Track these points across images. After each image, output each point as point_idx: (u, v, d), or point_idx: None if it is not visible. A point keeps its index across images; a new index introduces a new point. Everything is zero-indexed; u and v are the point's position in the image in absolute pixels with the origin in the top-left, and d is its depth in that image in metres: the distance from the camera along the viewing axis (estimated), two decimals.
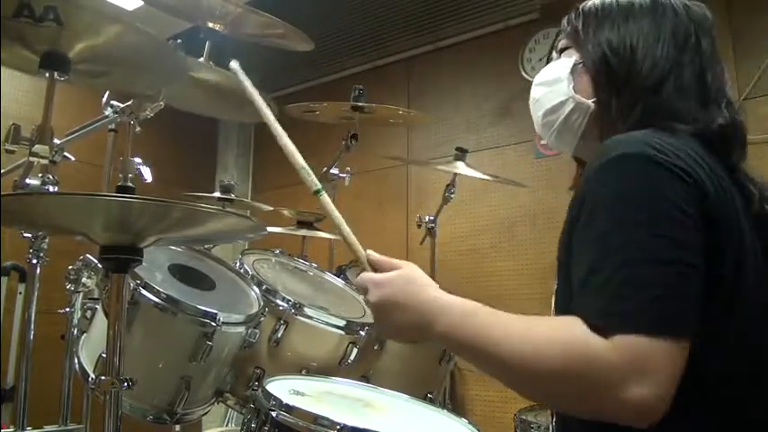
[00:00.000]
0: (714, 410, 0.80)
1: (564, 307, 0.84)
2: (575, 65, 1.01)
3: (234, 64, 1.12)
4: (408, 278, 0.93)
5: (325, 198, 1.06)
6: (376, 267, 0.99)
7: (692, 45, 0.94)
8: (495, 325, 0.82)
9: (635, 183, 0.78)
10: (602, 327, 0.72)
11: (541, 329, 0.78)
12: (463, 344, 0.84)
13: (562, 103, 1.01)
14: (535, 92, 1.06)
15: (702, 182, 0.79)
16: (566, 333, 0.75)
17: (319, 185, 1.06)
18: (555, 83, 1.02)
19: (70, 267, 1.68)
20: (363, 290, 0.97)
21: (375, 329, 0.93)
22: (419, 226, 2.61)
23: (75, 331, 1.67)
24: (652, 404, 0.71)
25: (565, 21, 1.07)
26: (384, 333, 0.94)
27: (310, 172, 1.07)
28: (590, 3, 1.04)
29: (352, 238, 1.03)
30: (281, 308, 1.70)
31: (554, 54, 1.07)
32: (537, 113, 1.06)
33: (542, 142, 3.41)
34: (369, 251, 1.01)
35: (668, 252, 0.74)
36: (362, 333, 1.74)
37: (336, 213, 1.04)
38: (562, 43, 1.05)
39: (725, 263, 0.79)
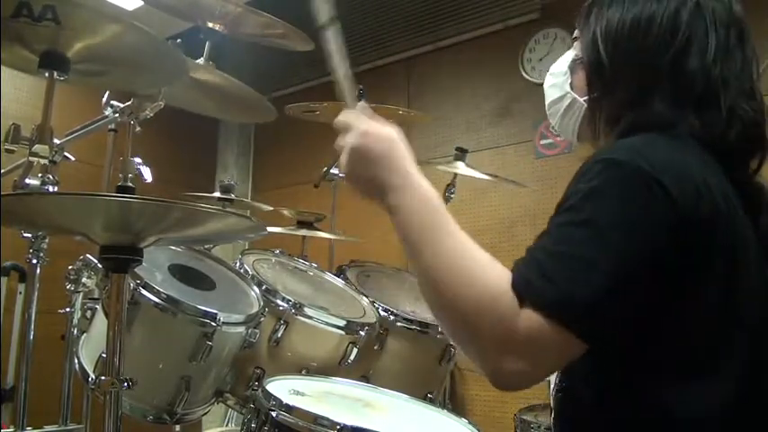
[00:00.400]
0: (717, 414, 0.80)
1: None
2: (573, 60, 1.01)
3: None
4: (392, 138, 0.91)
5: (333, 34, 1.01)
6: (360, 113, 0.96)
7: (700, 36, 0.90)
8: (442, 233, 0.83)
9: (609, 189, 0.78)
10: (519, 294, 0.76)
11: (477, 264, 0.80)
12: (406, 228, 0.85)
13: (561, 98, 1.03)
14: (546, 81, 1.08)
15: (683, 199, 0.78)
16: (493, 281, 0.78)
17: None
18: (559, 75, 1.04)
19: (70, 267, 1.68)
20: (344, 129, 0.93)
21: (344, 172, 0.92)
22: None
23: (75, 331, 1.67)
24: (521, 379, 0.75)
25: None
26: (349, 177, 0.92)
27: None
28: None
29: (347, 84, 1.01)
30: (281, 308, 1.69)
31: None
32: (546, 102, 1.07)
33: (542, 142, 3.42)
34: (362, 102, 0.99)
35: (611, 261, 0.75)
36: (362, 333, 1.74)
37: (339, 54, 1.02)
38: (576, 33, 1.04)
39: (712, 271, 0.79)
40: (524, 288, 0.76)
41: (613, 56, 0.92)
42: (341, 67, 1.00)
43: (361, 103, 0.97)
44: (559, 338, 0.74)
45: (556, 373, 0.91)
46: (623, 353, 0.81)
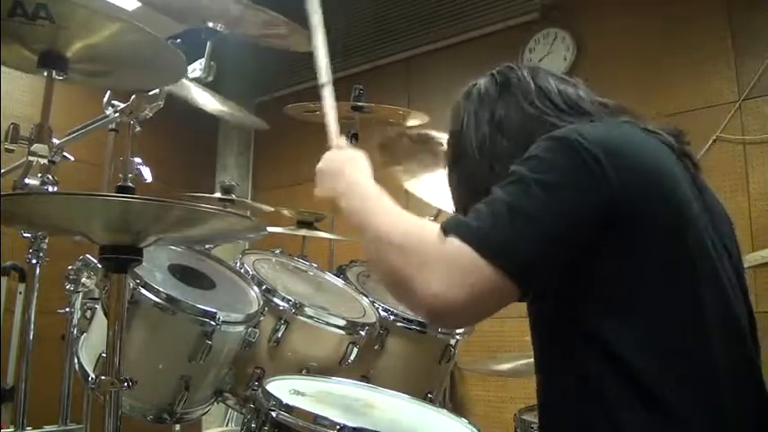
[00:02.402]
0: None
1: None
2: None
3: None
4: (349, 157, 1.16)
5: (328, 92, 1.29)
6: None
7: (534, 90, 1.04)
8: (381, 201, 1.00)
9: (548, 157, 0.87)
10: (445, 228, 0.86)
11: (411, 218, 0.95)
12: (356, 217, 1.01)
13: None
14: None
15: (614, 166, 0.85)
16: (426, 223, 0.91)
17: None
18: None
19: (70, 267, 1.68)
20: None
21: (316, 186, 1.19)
22: None
23: (75, 331, 1.67)
24: (445, 300, 0.82)
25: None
26: (317, 190, 1.18)
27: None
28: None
29: (334, 124, 1.25)
30: (281, 308, 1.69)
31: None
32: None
33: None
34: (342, 139, 1.24)
35: (540, 216, 0.83)
36: (362, 333, 1.74)
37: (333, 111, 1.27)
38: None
39: (651, 239, 0.85)
40: (451, 222, 0.87)
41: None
42: (333, 121, 1.26)
43: (341, 139, 1.24)
44: (484, 265, 0.81)
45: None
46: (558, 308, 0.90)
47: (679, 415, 0.81)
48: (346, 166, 1.13)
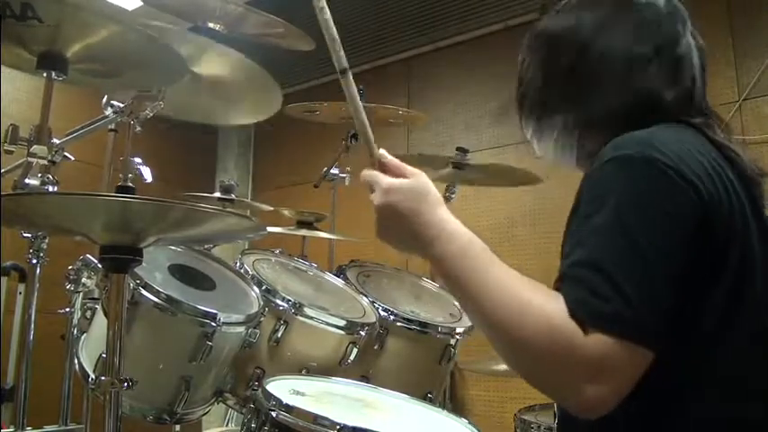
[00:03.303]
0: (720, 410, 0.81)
1: None
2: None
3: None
4: (418, 190, 0.91)
5: (350, 79, 0.99)
6: (386, 169, 0.94)
7: (668, 44, 0.94)
8: (491, 274, 0.82)
9: (634, 185, 0.79)
10: (580, 319, 0.74)
11: (533, 298, 0.79)
12: (454, 278, 0.85)
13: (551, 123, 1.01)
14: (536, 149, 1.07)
15: (702, 181, 0.79)
16: (553, 313, 0.76)
17: (346, 65, 0.98)
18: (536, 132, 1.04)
19: (70, 267, 1.68)
20: (369, 188, 0.94)
21: (376, 230, 0.93)
22: None
23: (75, 331, 1.67)
24: (602, 403, 0.74)
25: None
26: (381, 236, 0.93)
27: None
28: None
29: (369, 131, 0.97)
30: (281, 308, 1.69)
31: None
32: (533, 141, 1.07)
33: None
34: (382, 150, 0.96)
35: (654, 262, 0.76)
36: (362, 333, 1.74)
37: (358, 98, 0.99)
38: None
39: (728, 258, 0.80)
40: (583, 311, 0.75)
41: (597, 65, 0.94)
42: (359, 114, 0.98)
43: (382, 151, 0.96)
44: (632, 354, 0.74)
45: None
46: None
47: None
48: (419, 204, 0.89)
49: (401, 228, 0.90)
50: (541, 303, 0.78)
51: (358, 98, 0.98)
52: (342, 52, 0.98)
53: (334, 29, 0.97)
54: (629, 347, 0.73)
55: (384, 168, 0.95)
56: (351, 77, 0.98)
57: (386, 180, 0.92)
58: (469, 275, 0.83)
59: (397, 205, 0.90)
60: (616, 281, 0.74)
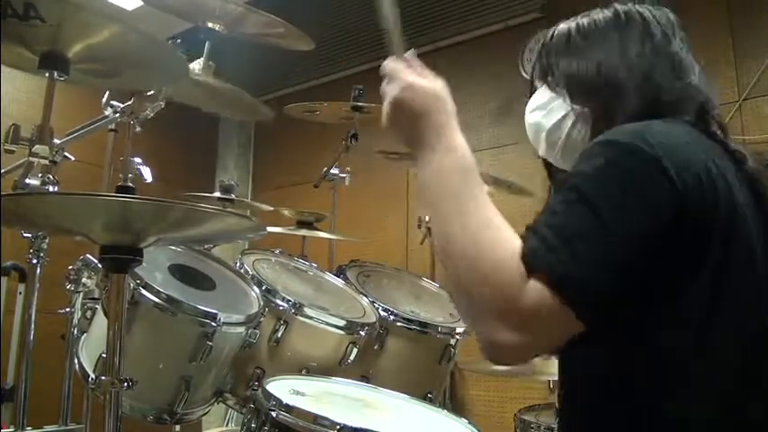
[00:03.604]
0: (707, 396, 0.80)
1: None
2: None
3: None
4: (438, 95, 0.92)
5: None
6: (410, 66, 0.95)
7: (663, 46, 0.96)
8: (469, 200, 0.85)
9: (612, 168, 0.80)
10: (527, 264, 0.77)
11: (493, 235, 0.82)
12: (429, 187, 0.87)
13: (563, 118, 1.02)
14: (532, 117, 1.07)
15: (683, 174, 0.80)
16: (502, 248, 0.80)
17: None
18: (550, 102, 1.03)
19: (70, 267, 1.68)
20: (389, 77, 0.94)
21: (384, 119, 0.94)
22: (419, 226, 2.61)
23: (75, 331, 1.67)
24: (517, 352, 0.77)
25: (529, 66, 1.10)
26: (388, 126, 0.94)
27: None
28: (550, 36, 1.08)
29: (396, 30, 1.01)
30: (281, 308, 1.70)
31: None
32: (539, 136, 1.06)
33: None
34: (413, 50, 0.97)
35: (616, 242, 0.77)
36: (362, 333, 1.74)
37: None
38: (537, 85, 1.07)
39: (709, 255, 0.80)
40: (532, 257, 0.77)
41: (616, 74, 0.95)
42: (391, 16, 1.01)
43: (411, 52, 0.97)
44: (561, 314, 0.75)
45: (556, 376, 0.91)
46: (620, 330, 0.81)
47: None
48: (432, 106, 0.90)
49: (410, 123, 0.91)
50: (495, 239, 0.81)
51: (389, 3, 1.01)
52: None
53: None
54: (561, 307, 0.74)
55: (409, 66, 0.95)
56: None
57: (409, 75, 0.93)
58: (445, 195, 0.86)
59: (412, 101, 0.91)
60: (573, 246, 0.76)
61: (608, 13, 1.02)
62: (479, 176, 0.88)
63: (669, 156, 0.80)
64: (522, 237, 0.81)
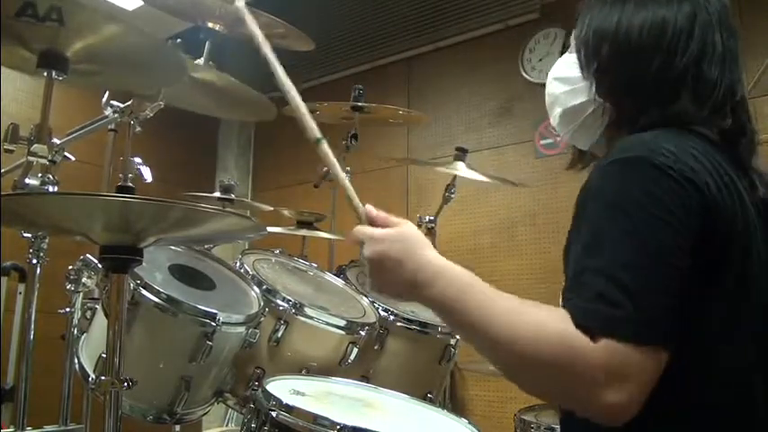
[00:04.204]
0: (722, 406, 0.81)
1: None
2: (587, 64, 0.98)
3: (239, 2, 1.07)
4: (405, 236, 0.93)
5: (325, 148, 1.03)
6: (373, 222, 0.98)
7: (711, 39, 0.91)
8: (490, 302, 0.83)
9: (634, 187, 0.79)
10: (587, 328, 0.74)
11: (534, 317, 0.79)
12: (454, 314, 0.86)
13: (584, 105, 0.98)
14: (552, 87, 1.03)
15: (703, 181, 0.79)
16: (556, 327, 0.76)
17: (320, 135, 1.03)
18: (577, 82, 0.99)
19: (70, 267, 1.68)
20: (360, 243, 0.97)
21: (369, 284, 0.97)
22: (419, 226, 2.61)
23: (76, 331, 1.67)
24: (625, 408, 0.74)
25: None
26: (376, 288, 0.96)
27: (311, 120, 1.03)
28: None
29: (352, 191, 1.01)
30: (281, 308, 1.69)
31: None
32: (555, 110, 1.03)
33: (542, 142, 3.42)
34: (368, 205, 1.00)
35: (661, 262, 0.76)
36: (362, 333, 1.74)
37: (337, 165, 1.04)
38: (575, 34, 1.02)
39: (730, 260, 0.81)
40: (591, 320, 0.75)
41: (637, 58, 0.91)
42: (341, 178, 1.04)
43: (367, 206, 1.00)
44: (647, 356, 0.74)
45: None
46: None
47: None
48: (409, 248, 0.92)
49: (395, 274, 0.92)
50: (539, 320, 0.78)
51: (337, 163, 1.04)
52: (313, 123, 1.02)
53: (303, 104, 1.02)
54: (643, 350, 0.73)
55: (372, 222, 0.98)
56: (326, 145, 1.02)
57: (373, 231, 0.95)
58: (469, 313, 0.83)
59: (387, 252, 0.92)
60: (624, 284, 0.74)
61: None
62: (474, 276, 0.87)
63: (686, 163, 0.79)
64: (567, 295, 0.79)
